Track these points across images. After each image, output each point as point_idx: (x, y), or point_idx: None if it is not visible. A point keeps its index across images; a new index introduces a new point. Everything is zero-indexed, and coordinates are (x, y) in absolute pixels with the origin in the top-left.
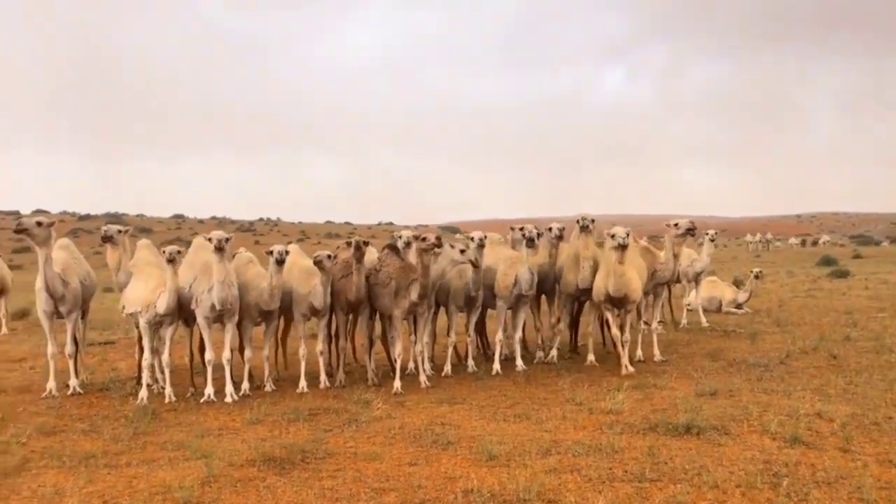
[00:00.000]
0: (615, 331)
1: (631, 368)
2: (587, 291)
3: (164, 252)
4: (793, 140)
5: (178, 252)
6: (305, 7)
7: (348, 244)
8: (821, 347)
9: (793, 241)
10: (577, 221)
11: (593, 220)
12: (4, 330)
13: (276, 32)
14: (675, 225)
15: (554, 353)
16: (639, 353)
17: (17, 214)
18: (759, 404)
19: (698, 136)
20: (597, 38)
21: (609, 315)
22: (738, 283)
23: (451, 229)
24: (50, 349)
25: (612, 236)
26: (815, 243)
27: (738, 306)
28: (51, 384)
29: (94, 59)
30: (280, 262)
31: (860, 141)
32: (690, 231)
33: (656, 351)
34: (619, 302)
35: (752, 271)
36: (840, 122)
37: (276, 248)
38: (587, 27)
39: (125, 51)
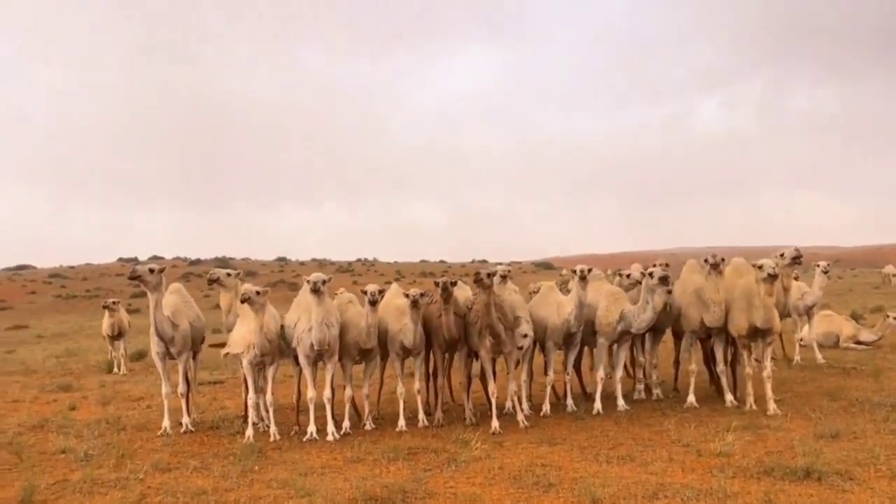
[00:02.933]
0: (748, 369)
1: (773, 407)
2: (712, 329)
3: (242, 293)
4: None
5: (258, 293)
6: (399, 55)
7: (436, 285)
8: None
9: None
10: (706, 261)
11: (723, 259)
12: (124, 370)
13: (372, 81)
14: (781, 255)
15: (658, 391)
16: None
17: (135, 261)
18: (887, 447)
19: (803, 163)
20: (693, 67)
21: (744, 350)
22: (855, 318)
23: (546, 265)
24: (164, 389)
25: (760, 267)
26: None
27: (859, 343)
28: (165, 422)
29: (204, 112)
30: (373, 303)
31: None
32: (797, 260)
33: (769, 390)
34: (763, 334)
35: (888, 314)
36: None
37: (370, 288)
38: (683, 58)
39: (234, 104)
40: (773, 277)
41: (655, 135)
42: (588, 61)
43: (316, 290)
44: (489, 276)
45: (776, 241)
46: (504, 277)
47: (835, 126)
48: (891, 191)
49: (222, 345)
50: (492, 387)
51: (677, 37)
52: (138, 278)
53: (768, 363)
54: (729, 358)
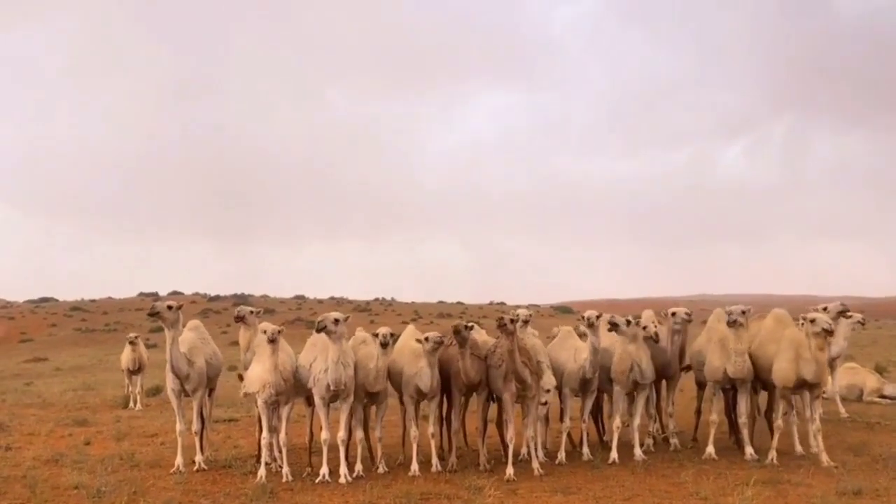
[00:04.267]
0: (779, 421)
1: (826, 458)
2: (736, 379)
3: (264, 332)
4: None
5: (279, 332)
6: (422, 95)
7: (453, 328)
8: None
9: None
10: (728, 313)
11: (744, 312)
12: (139, 406)
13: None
14: (825, 308)
15: (675, 441)
16: (773, 450)
17: (155, 296)
18: None
19: (827, 211)
20: (714, 113)
21: (783, 401)
22: (879, 370)
23: (564, 308)
24: (178, 426)
25: (813, 321)
26: None
27: (884, 397)
28: (178, 460)
29: (227, 149)
30: (384, 346)
31: None
32: (843, 314)
33: (797, 443)
34: (811, 387)
35: None
36: None
37: (382, 331)
38: (704, 103)
39: (257, 142)
40: (828, 333)
41: (676, 180)
42: (608, 105)
43: (323, 330)
44: (512, 321)
45: (798, 290)
46: (526, 322)
47: (857, 174)
48: None
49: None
50: (511, 432)
51: (697, 81)
52: (157, 315)
53: (818, 416)
54: (761, 409)
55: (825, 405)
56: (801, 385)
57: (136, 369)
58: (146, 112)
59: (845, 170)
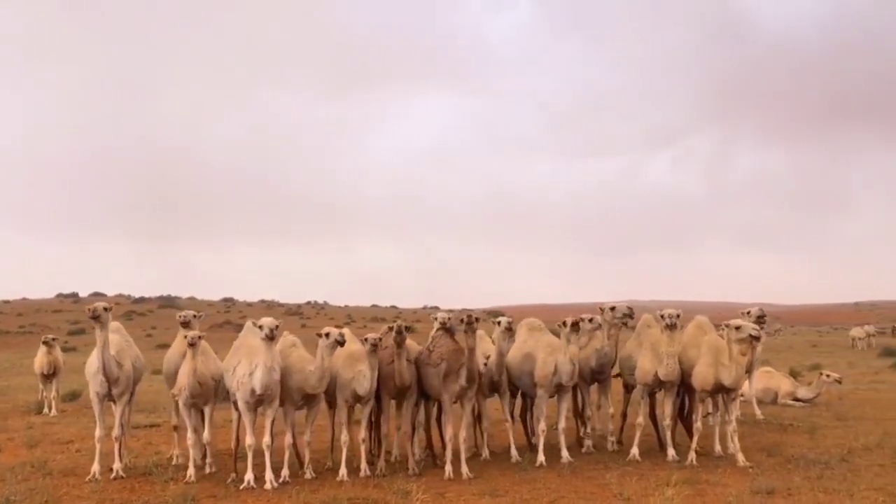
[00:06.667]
0: (698, 423)
1: (742, 458)
2: (664, 383)
3: (185, 336)
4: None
5: (199, 337)
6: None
7: (390, 329)
8: (885, 444)
9: (867, 328)
10: (663, 317)
11: (678, 315)
12: (55, 412)
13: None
14: (747, 313)
15: (589, 442)
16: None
17: (75, 297)
18: None
19: (748, 222)
20: (645, 126)
21: (701, 405)
22: (793, 375)
23: (496, 313)
24: (98, 431)
25: (738, 328)
26: (894, 331)
27: (797, 400)
28: (95, 467)
29: (154, 148)
30: (341, 344)
31: None
32: (761, 319)
33: (717, 444)
34: (728, 391)
35: (828, 374)
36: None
37: (334, 330)
38: (636, 115)
39: (185, 141)
40: (755, 339)
41: (608, 188)
42: (543, 113)
43: (272, 338)
44: (477, 319)
45: (720, 297)
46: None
47: (775, 187)
48: (829, 253)
49: None
50: (450, 432)
51: (629, 93)
52: (98, 318)
53: (734, 418)
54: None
55: (742, 407)
56: (719, 389)
57: (51, 373)
58: (70, 109)
59: (764, 183)
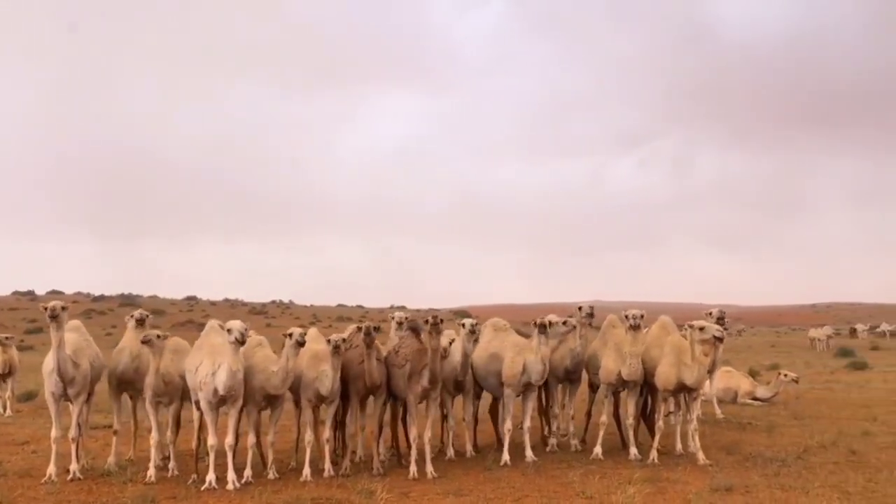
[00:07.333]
0: (660, 422)
1: (702, 457)
2: (628, 382)
3: (144, 337)
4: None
5: (158, 336)
6: (324, 98)
7: (359, 329)
8: (839, 442)
9: (826, 329)
10: (627, 317)
11: (642, 316)
12: (9, 412)
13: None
14: (709, 314)
15: (553, 441)
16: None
17: (32, 295)
18: (776, 501)
19: (710, 224)
20: (611, 128)
21: (663, 404)
22: (753, 374)
23: (463, 313)
24: (54, 432)
25: (702, 329)
26: (852, 332)
27: (756, 399)
28: (51, 468)
29: (114, 143)
30: (301, 345)
31: (871, 231)
32: (721, 320)
33: (697, 441)
34: (689, 390)
35: (786, 374)
36: (852, 212)
37: (297, 330)
38: (602, 117)
39: (148, 136)
40: (718, 340)
41: (574, 189)
42: (510, 114)
43: (242, 342)
44: (442, 321)
45: (684, 298)
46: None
47: (740, 190)
48: (788, 255)
49: None
50: (415, 432)
51: (595, 95)
52: (56, 317)
53: (695, 417)
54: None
55: (703, 406)
56: (682, 388)
57: (7, 373)
58: (28, 105)
59: (727, 186)
